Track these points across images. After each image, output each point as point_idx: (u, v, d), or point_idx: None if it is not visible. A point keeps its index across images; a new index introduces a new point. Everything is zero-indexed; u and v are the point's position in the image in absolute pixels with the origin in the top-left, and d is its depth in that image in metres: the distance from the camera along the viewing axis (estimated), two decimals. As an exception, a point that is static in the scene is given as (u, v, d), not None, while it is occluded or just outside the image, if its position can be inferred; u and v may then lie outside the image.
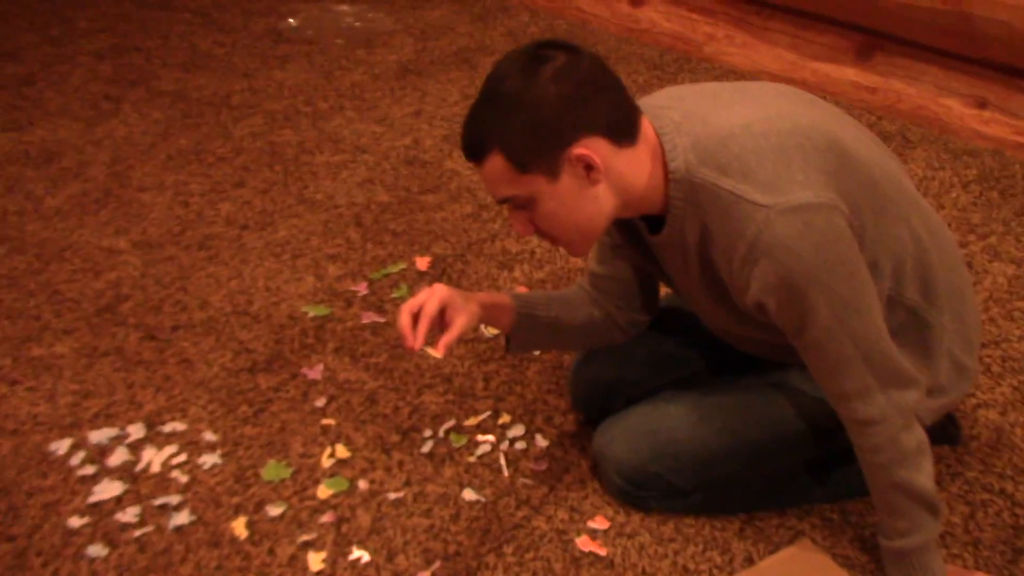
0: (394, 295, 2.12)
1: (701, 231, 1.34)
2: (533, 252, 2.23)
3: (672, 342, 1.73)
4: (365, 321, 2.05)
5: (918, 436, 1.37)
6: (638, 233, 1.51)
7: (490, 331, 2.00)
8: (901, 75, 2.69)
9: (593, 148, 1.29)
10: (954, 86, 2.61)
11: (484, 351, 1.96)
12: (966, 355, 1.50)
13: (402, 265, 2.20)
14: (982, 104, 2.58)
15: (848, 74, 2.77)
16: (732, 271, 1.31)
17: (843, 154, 1.31)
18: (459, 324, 1.48)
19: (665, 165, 1.34)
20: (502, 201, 1.36)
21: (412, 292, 2.12)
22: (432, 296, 1.46)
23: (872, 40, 2.71)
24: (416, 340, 1.43)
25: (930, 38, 2.56)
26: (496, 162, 1.31)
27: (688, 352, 1.73)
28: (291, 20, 3.19)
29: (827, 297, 1.27)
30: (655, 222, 1.42)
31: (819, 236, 1.24)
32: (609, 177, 1.32)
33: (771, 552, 1.56)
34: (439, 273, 2.17)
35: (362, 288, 2.13)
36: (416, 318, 1.45)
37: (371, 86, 2.89)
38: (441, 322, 1.47)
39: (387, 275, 2.17)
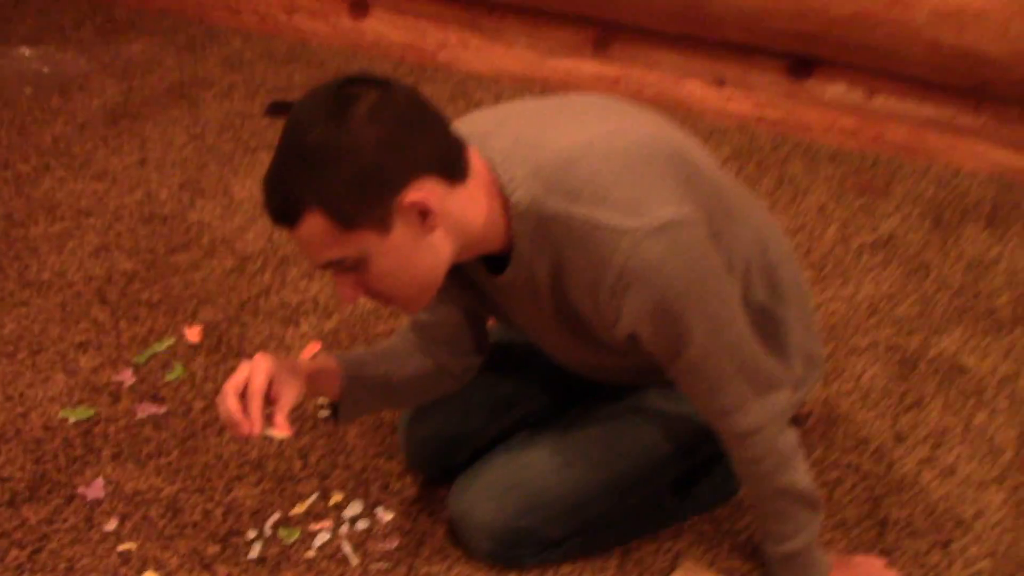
0: (168, 377, 1.82)
1: (553, 266, 1.20)
2: (316, 301, 2.01)
3: (510, 381, 1.59)
4: (141, 415, 1.74)
5: (791, 437, 1.32)
6: (470, 275, 1.35)
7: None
8: (640, 63, 2.70)
9: (426, 191, 1.12)
10: (693, 68, 2.65)
11: (290, 424, 1.73)
12: (814, 343, 1.47)
13: (169, 341, 1.90)
14: (721, 83, 2.64)
15: (589, 67, 2.74)
16: (598, 304, 1.19)
17: (686, 162, 1.22)
18: (289, 397, 1.26)
19: (503, 199, 1.19)
20: (325, 266, 1.16)
21: (188, 370, 1.83)
22: (257, 371, 1.23)
23: (608, 31, 2.70)
24: (253, 424, 1.20)
25: (665, 24, 2.58)
26: (315, 223, 1.10)
27: (529, 388, 1.59)
28: (-38, 72, 2.73)
29: (701, 316, 1.18)
30: (495, 261, 1.27)
31: (687, 254, 1.15)
32: (445, 221, 1.16)
33: (658, 583, 1.46)
34: (215, 343, 1.89)
35: (127, 376, 1.82)
36: (242, 399, 1.22)
37: (78, 138, 2.52)
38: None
39: (154, 355, 1.87)
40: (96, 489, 1.60)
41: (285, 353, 1.87)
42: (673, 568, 1.48)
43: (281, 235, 2.17)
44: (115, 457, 1.66)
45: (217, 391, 1.78)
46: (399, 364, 1.45)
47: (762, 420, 1.28)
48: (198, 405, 1.76)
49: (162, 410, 1.75)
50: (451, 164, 1.15)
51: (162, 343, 1.90)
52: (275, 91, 2.73)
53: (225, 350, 1.88)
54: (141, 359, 1.86)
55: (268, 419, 1.24)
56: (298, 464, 1.65)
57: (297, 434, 1.70)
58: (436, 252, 1.17)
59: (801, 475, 1.33)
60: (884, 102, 2.49)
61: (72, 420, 1.73)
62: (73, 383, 1.81)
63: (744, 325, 1.25)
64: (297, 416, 1.73)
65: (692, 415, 1.46)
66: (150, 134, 2.54)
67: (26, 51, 2.87)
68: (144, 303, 1.99)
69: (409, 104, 1.12)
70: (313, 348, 1.89)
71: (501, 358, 1.59)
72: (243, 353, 1.87)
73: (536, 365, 1.58)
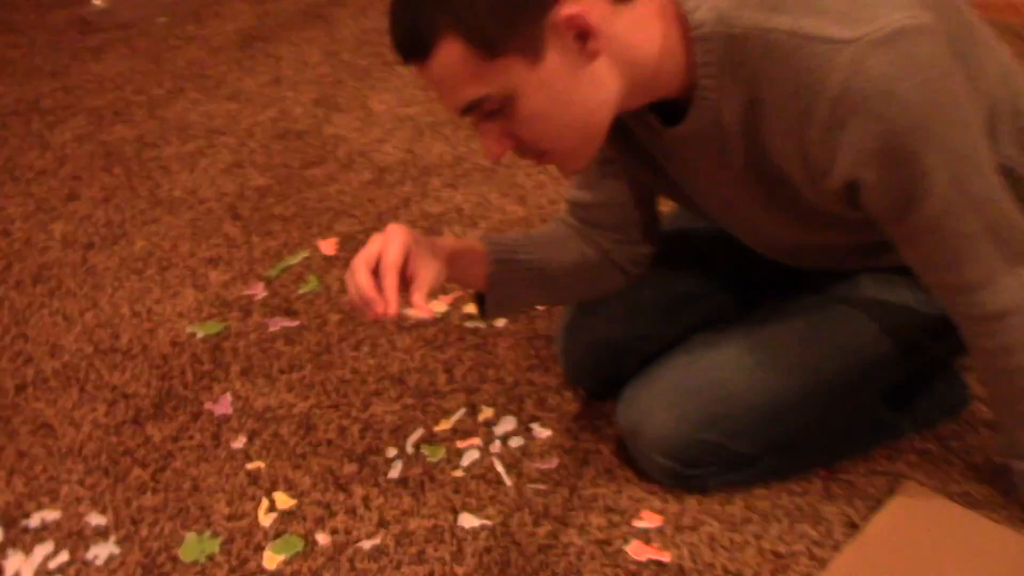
0: (301, 290, 1.66)
1: (746, 104, 0.95)
2: (460, 209, 1.81)
3: (686, 276, 1.34)
4: (273, 329, 1.59)
5: None
6: (639, 133, 1.12)
7: (434, 309, 1.58)
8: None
9: (585, 4, 0.89)
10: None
11: (434, 335, 1.53)
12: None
13: (303, 254, 1.74)
14: None
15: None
16: (806, 147, 0.92)
17: None
18: (427, 275, 1.05)
19: (682, 22, 0.94)
20: (466, 110, 0.94)
21: (323, 283, 1.67)
22: (391, 241, 1.02)
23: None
24: (389, 302, 1.00)
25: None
26: (452, 51, 0.89)
27: (708, 284, 1.34)
28: (96, 2, 2.66)
29: (943, 154, 0.90)
30: (670, 111, 1.03)
31: (926, 72, 0.87)
32: (610, 47, 0.92)
33: (873, 509, 1.19)
34: (352, 254, 1.72)
35: (259, 290, 1.67)
36: (375, 275, 1.02)
37: (212, 61, 2.40)
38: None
39: (287, 269, 1.71)
40: (224, 405, 1.45)
41: (427, 264, 1.67)
42: (890, 494, 1.22)
43: (422, 144, 1.98)
44: (244, 373, 1.50)
45: (355, 308, 1.61)
46: (557, 250, 1.23)
47: (1018, 299, 0.99)
48: (333, 318, 1.59)
49: (295, 323, 1.59)
50: None
51: (296, 256, 1.74)
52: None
53: (362, 262, 1.70)
54: (273, 273, 1.71)
55: (404, 299, 1.04)
56: (443, 378, 1.45)
57: (439, 346, 1.50)
58: (600, 87, 0.94)
59: (1064, 371, 1.04)
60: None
61: (200, 335, 1.59)
62: (203, 298, 1.67)
63: (993, 172, 0.97)
64: (439, 330, 1.54)
65: (914, 305, 1.19)
66: (284, 54, 2.40)
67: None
68: (277, 217, 1.84)
69: None
70: (458, 258, 1.69)
71: (675, 250, 1.34)
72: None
73: (717, 256, 1.33)
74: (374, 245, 1.04)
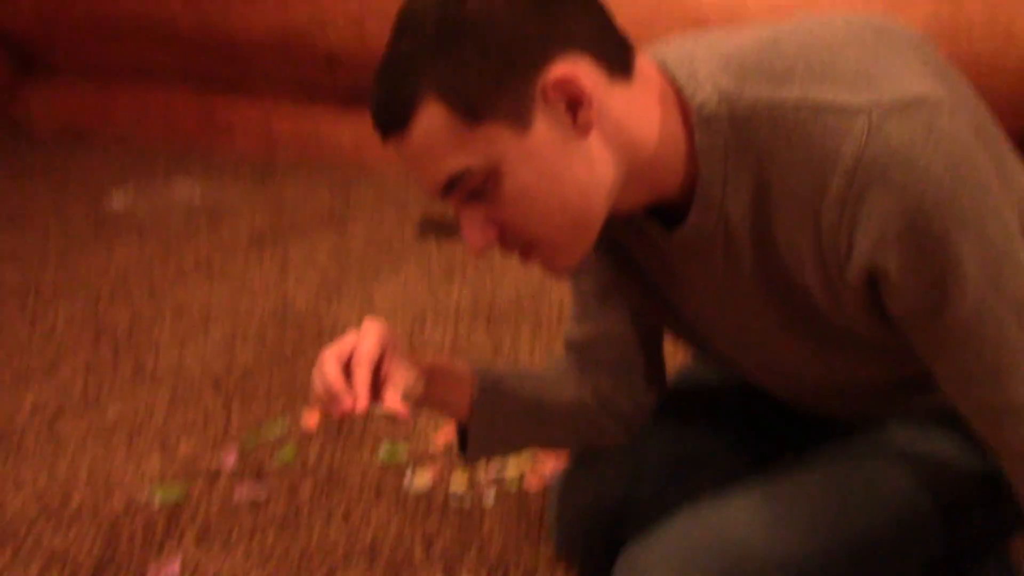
0: (277, 460, 1.52)
1: (755, 191, 0.86)
2: (456, 389, 1.69)
3: (694, 434, 1.21)
4: (239, 495, 1.44)
5: None
6: (634, 255, 1.03)
7: (417, 484, 1.43)
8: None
9: (578, 69, 0.83)
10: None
11: (415, 506, 1.38)
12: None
13: (283, 424, 1.62)
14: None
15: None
16: (821, 233, 0.83)
17: (942, 60, 0.89)
18: (403, 379, 0.93)
19: (683, 105, 0.88)
20: (447, 187, 0.86)
21: (300, 455, 1.53)
22: (368, 335, 0.92)
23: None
24: (359, 396, 0.88)
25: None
26: (434, 116, 0.83)
27: (719, 444, 1.20)
28: (117, 198, 2.68)
29: (976, 241, 0.80)
30: (670, 218, 0.95)
31: (948, 144, 0.78)
32: (604, 123, 0.85)
33: None
34: (336, 430, 1.59)
35: (230, 457, 1.53)
36: (347, 369, 0.91)
37: (220, 256, 2.38)
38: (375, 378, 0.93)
39: (264, 440, 1.58)
40: (170, 572, 1.28)
41: (418, 437, 1.54)
42: None
43: (423, 332, 1.90)
44: (200, 538, 1.34)
45: (331, 478, 1.46)
46: (550, 388, 1.11)
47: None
48: (306, 488, 1.45)
49: (263, 493, 1.44)
50: (610, 48, 0.85)
51: (276, 425, 1.61)
52: (428, 214, 2.55)
53: (346, 438, 1.57)
54: (250, 443, 1.57)
55: (376, 396, 0.92)
56: (419, 550, 1.28)
57: (420, 516, 1.35)
58: (592, 167, 0.86)
59: None
60: None
61: (159, 499, 1.44)
62: (168, 463, 1.53)
63: None
64: (424, 497, 1.38)
65: (953, 457, 1.05)
66: (293, 253, 2.38)
67: (181, 182, 2.81)
68: (262, 393, 1.73)
69: None
70: (450, 435, 1.56)
71: (683, 404, 1.22)
72: (367, 435, 1.56)
73: (730, 410, 1.21)
74: (348, 338, 0.93)
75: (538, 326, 1.89)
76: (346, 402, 0.89)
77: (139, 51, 3.37)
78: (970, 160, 0.79)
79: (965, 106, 0.84)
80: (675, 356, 1.64)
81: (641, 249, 1.01)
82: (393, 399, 0.92)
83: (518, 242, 0.90)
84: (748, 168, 0.86)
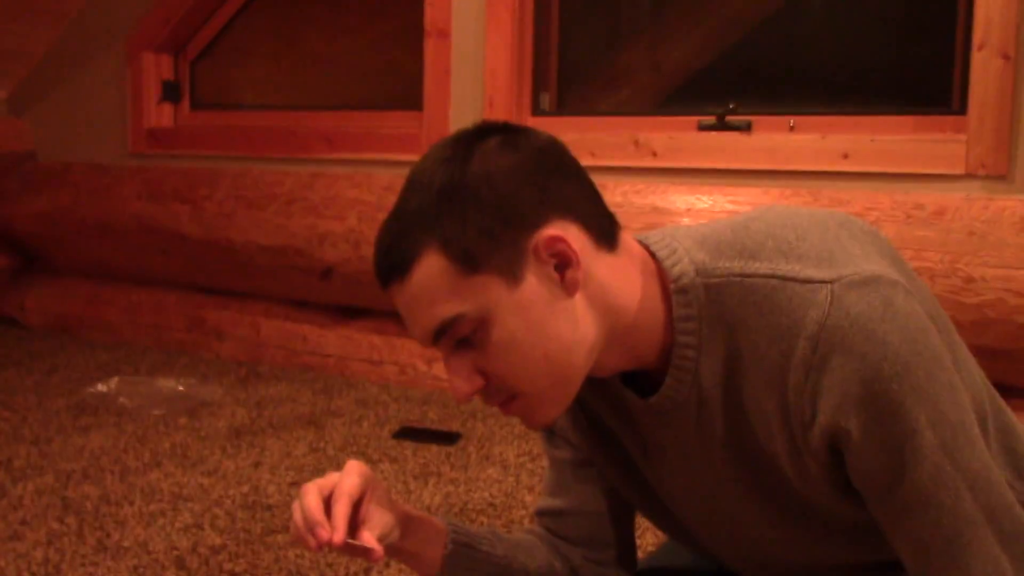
0: (235, 635, 1.48)
1: (727, 359, 0.93)
2: None
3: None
4: (192, 668, 1.39)
5: None
6: (608, 428, 1.08)
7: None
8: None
9: (568, 234, 0.92)
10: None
11: None
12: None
13: (245, 603, 1.59)
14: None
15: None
16: (787, 398, 0.89)
17: (897, 253, 0.98)
18: (380, 523, 0.96)
19: (662, 276, 0.96)
20: (438, 333, 0.93)
21: (260, 632, 1.49)
22: (350, 474, 0.96)
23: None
24: (337, 528, 0.90)
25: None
26: (432, 264, 0.90)
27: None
28: (100, 386, 2.71)
29: (931, 413, 0.85)
30: (646, 387, 1.01)
31: (904, 320, 0.86)
32: (590, 287, 0.93)
33: None
34: (297, 609, 1.56)
35: (187, 632, 1.49)
36: (327, 504, 0.93)
37: (196, 446, 2.39)
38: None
39: (223, 615, 1.55)
40: None
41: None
42: None
43: (392, 526, 1.89)
44: None
45: (289, 655, 1.42)
46: (523, 553, 1.12)
47: (1030, 606, 0.88)
48: (263, 664, 1.40)
49: (218, 665, 1.40)
50: (598, 220, 0.95)
51: (236, 605, 1.58)
52: (406, 422, 2.58)
53: (308, 617, 1.54)
54: (208, 617, 1.54)
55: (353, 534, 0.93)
56: None
57: None
58: (576, 325, 0.93)
59: None
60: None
61: (108, 667, 1.39)
62: (122, 634, 1.49)
63: (989, 457, 0.91)
64: None
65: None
66: (270, 446, 2.39)
67: (165, 380, 2.86)
68: (225, 571, 1.70)
69: (550, 145, 0.95)
70: (413, 622, 1.53)
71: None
72: (328, 622, 1.53)
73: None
74: (331, 476, 0.97)
75: (509, 526, 1.89)
76: (323, 534, 0.91)
77: (139, 255, 3.50)
78: (924, 336, 0.86)
79: (919, 293, 0.92)
80: (645, 537, 1.64)
81: (617, 420, 1.06)
82: (370, 538, 0.94)
83: (501, 392, 0.95)
84: (721, 336, 0.93)
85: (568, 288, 0.92)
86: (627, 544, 1.17)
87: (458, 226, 0.90)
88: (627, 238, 0.98)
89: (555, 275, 0.91)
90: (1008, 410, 1.03)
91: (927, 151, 2.34)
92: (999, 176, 2.25)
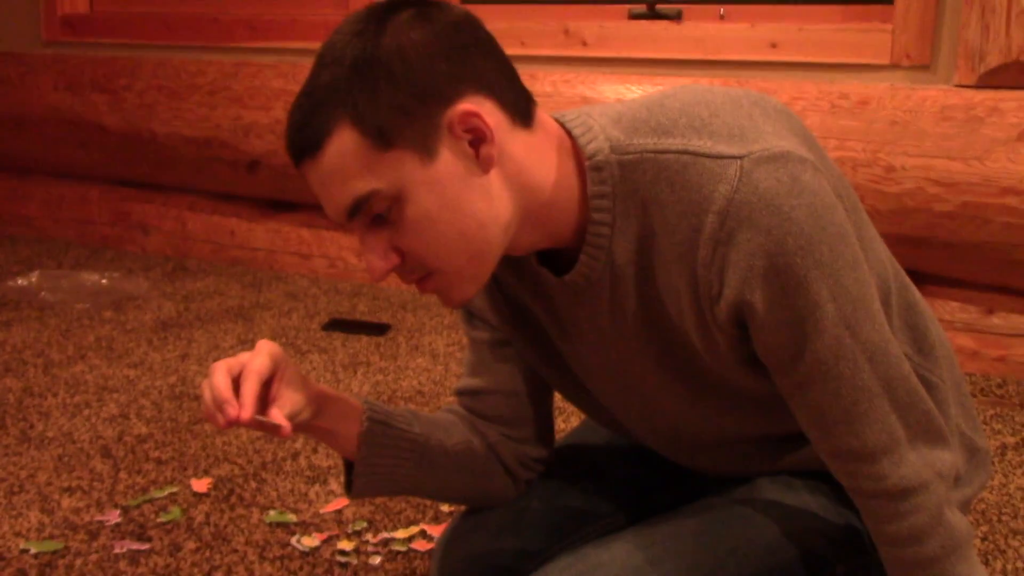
0: (162, 519, 1.50)
1: (640, 235, 0.94)
2: (350, 464, 1.70)
3: (579, 492, 1.23)
4: (119, 551, 1.40)
5: (963, 520, 0.96)
6: (525, 306, 1.09)
7: (303, 544, 1.42)
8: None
9: (483, 109, 0.90)
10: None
11: (300, 567, 1.36)
12: (976, 432, 1.12)
13: (171, 489, 1.59)
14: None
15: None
16: (695, 272, 0.90)
17: (809, 132, 0.99)
18: (291, 402, 0.96)
19: (577, 153, 0.96)
20: (352, 210, 0.91)
21: (186, 516, 1.51)
22: (260, 352, 0.95)
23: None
24: (244, 406, 0.90)
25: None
26: (345, 141, 0.88)
27: (603, 504, 1.23)
28: (20, 280, 2.65)
29: (833, 287, 0.88)
30: (560, 266, 1.01)
31: (810, 197, 0.87)
32: (505, 165, 0.92)
33: None
34: (225, 494, 1.58)
35: (113, 517, 1.50)
36: (236, 383, 0.93)
37: (122, 339, 2.36)
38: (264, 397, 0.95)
39: (150, 500, 1.56)
40: (39, 615, 1.24)
41: (308, 507, 1.53)
42: None
43: (321, 413, 1.91)
44: (73, 588, 1.31)
45: (217, 536, 1.44)
46: (441, 431, 1.13)
47: (924, 476, 0.92)
48: (190, 545, 1.42)
49: (144, 547, 1.41)
50: (514, 97, 0.93)
51: (163, 490, 1.59)
52: (336, 315, 2.58)
53: (235, 500, 1.56)
54: (134, 502, 1.55)
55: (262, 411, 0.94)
56: (300, 602, 1.27)
57: (306, 574, 1.33)
58: (491, 202, 0.92)
59: (981, 573, 0.95)
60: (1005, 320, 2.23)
61: (33, 551, 1.40)
62: (48, 520, 1.49)
63: (890, 334, 0.94)
64: (310, 557, 1.37)
65: (815, 510, 1.10)
66: (197, 338, 2.38)
67: (88, 275, 2.81)
68: (152, 459, 1.70)
69: (465, 19, 0.93)
70: (340, 503, 1.55)
71: (570, 464, 1.25)
72: (255, 505, 1.55)
73: (615, 471, 1.24)
74: (242, 355, 0.96)
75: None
76: (231, 411, 0.91)
77: (57, 148, 3.40)
78: (830, 212, 0.88)
79: (828, 171, 0.93)
80: (570, 422, 1.68)
81: (533, 299, 1.07)
82: (278, 414, 0.95)
83: (417, 270, 0.95)
84: (634, 213, 0.93)
85: (483, 164, 0.91)
86: (545, 422, 1.19)
87: (370, 101, 0.88)
88: (543, 116, 0.97)
89: (469, 151, 0.90)
90: (913, 288, 1.06)
91: (854, 41, 2.35)
92: (923, 66, 2.27)
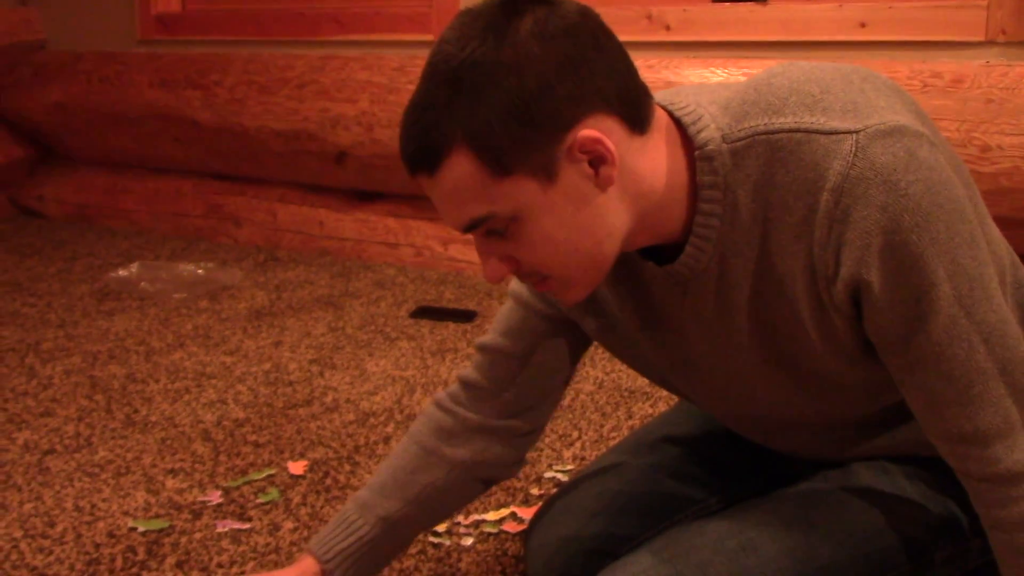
0: (261, 499, 1.55)
1: (753, 220, 0.91)
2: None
3: (669, 473, 1.24)
4: (221, 529, 1.46)
5: None
6: (617, 296, 1.07)
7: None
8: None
9: (604, 130, 0.87)
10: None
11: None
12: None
13: (269, 471, 1.64)
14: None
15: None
16: (812, 252, 0.88)
17: (920, 107, 0.96)
18: None
19: (686, 143, 0.93)
20: (469, 227, 0.91)
21: (284, 496, 1.55)
22: None
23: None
24: None
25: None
26: (461, 164, 0.87)
27: (694, 483, 1.23)
28: (121, 272, 2.75)
29: (949, 265, 0.86)
30: (664, 258, 0.99)
31: (928, 173, 0.85)
32: (622, 177, 0.90)
33: None
34: (320, 476, 1.62)
35: (215, 497, 1.56)
36: None
37: (218, 327, 2.44)
38: None
39: (249, 482, 1.61)
40: (149, 590, 1.29)
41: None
42: None
43: (412, 399, 1.94)
44: (179, 565, 1.36)
45: (314, 517, 1.49)
46: (398, 492, 1.16)
47: (1037, 461, 0.90)
48: (288, 525, 1.47)
49: (246, 526, 1.46)
50: (634, 104, 0.90)
51: (261, 472, 1.64)
52: (423, 303, 2.62)
53: (331, 483, 1.60)
54: (234, 483, 1.60)
55: None
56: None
57: (400, 556, 1.36)
58: (609, 218, 0.91)
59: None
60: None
61: (141, 529, 1.46)
62: (154, 500, 1.55)
63: (1008, 312, 0.91)
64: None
65: (914, 497, 1.09)
66: (290, 326, 2.44)
67: (185, 265, 2.90)
68: (250, 443, 1.76)
69: (583, 21, 0.89)
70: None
71: (661, 447, 1.26)
72: (349, 487, 1.58)
73: (707, 453, 1.24)
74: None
75: (524, 399, 1.93)
76: None
77: (153, 143, 3.51)
78: (947, 188, 0.85)
79: (943, 146, 0.91)
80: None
81: (631, 286, 1.05)
82: None
83: (533, 275, 0.95)
84: (745, 201, 0.91)
85: (602, 183, 0.89)
86: (547, 405, 1.18)
87: (488, 126, 0.85)
88: (655, 108, 0.94)
89: (589, 171, 0.88)
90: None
91: (946, 18, 2.29)
92: (1020, 42, 2.21)
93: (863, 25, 2.38)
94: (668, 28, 2.61)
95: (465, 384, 1.17)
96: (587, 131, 0.86)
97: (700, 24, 2.58)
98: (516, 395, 1.15)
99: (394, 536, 1.15)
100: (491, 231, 0.91)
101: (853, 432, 1.09)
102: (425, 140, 0.87)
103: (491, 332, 1.17)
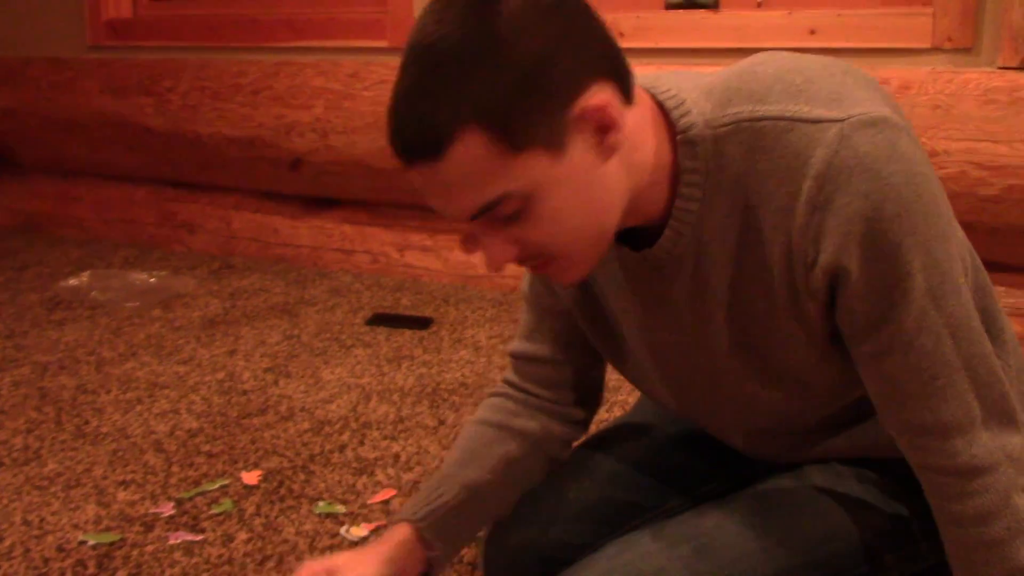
0: (215, 510, 1.53)
1: (733, 207, 0.92)
2: (397, 456, 1.72)
3: (626, 479, 1.23)
4: (174, 542, 1.44)
5: None
6: (595, 281, 1.08)
7: (352, 534, 1.44)
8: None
9: (608, 96, 0.87)
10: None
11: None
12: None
13: (223, 481, 1.63)
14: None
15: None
16: (792, 239, 0.89)
17: (896, 103, 0.97)
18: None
19: (670, 126, 0.93)
20: (479, 212, 0.88)
21: (238, 507, 1.54)
22: (309, 566, 1.03)
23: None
24: None
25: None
26: (472, 145, 0.83)
27: (650, 489, 1.23)
28: (72, 280, 2.71)
29: (924, 257, 0.87)
30: (641, 241, 0.99)
31: (908, 164, 0.86)
32: (624, 147, 0.89)
33: None
34: (274, 486, 1.61)
35: (167, 509, 1.54)
36: None
37: (171, 336, 2.41)
38: None
39: (203, 493, 1.59)
40: (98, 604, 1.27)
41: (355, 498, 1.56)
42: None
43: (368, 406, 1.93)
44: (131, 578, 1.34)
45: (268, 527, 1.47)
46: (476, 466, 1.16)
47: (995, 458, 0.91)
48: (241, 536, 1.45)
49: (198, 538, 1.45)
50: (624, 73, 0.90)
51: (214, 483, 1.62)
52: (379, 310, 2.61)
53: (285, 492, 1.59)
54: (187, 495, 1.58)
55: None
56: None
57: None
58: (613, 187, 0.90)
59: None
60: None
61: (92, 543, 1.44)
62: (104, 513, 1.53)
63: (974, 309, 0.92)
64: (358, 546, 1.40)
65: (865, 498, 1.10)
66: (244, 334, 2.42)
67: (137, 274, 2.86)
68: (203, 453, 1.74)
69: None
70: (388, 494, 1.58)
71: (618, 451, 1.26)
72: (304, 497, 1.57)
73: (664, 457, 1.25)
74: (332, 558, 1.04)
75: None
76: None
77: (105, 151, 3.46)
78: (926, 181, 0.87)
79: (919, 143, 0.93)
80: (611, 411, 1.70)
81: (607, 272, 1.05)
82: None
83: (536, 257, 0.93)
84: (727, 188, 0.92)
85: (607, 151, 0.88)
86: (593, 388, 1.20)
87: (498, 101, 0.83)
88: (638, 89, 0.94)
89: (594, 139, 0.87)
90: (983, 271, 1.05)
91: (894, 25, 2.33)
92: (965, 49, 2.24)
93: (813, 32, 2.41)
94: (622, 35, 2.62)
95: (511, 384, 1.21)
96: (596, 99, 0.86)
97: (654, 31, 2.60)
98: (557, 394, 1.19)
99: (477, 505, 1.14)
100: (498, 218, 0.88)
101: (812, 432, 1.10)
102: (426, 125, 0.84)
103: (516, 338, 1.20)
